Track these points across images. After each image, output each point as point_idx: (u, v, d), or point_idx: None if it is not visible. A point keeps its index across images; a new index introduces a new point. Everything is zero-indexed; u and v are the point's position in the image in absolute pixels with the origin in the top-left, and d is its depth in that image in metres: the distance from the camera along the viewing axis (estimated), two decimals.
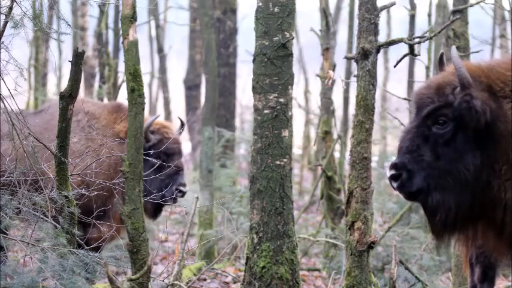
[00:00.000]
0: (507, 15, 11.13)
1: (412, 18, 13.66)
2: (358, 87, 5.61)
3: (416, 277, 6.93)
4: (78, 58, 5.07)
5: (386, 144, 17.97)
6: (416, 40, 5.60)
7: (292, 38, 6.17)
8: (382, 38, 5.67)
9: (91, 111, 7.60)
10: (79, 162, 6.13)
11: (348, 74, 12.97)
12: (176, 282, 6.24)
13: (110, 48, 12.14)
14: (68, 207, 5.19)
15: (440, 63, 5.20)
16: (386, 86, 18.41)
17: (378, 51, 5.61)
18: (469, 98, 4.73)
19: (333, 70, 9.31)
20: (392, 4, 5.73)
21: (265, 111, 6.15)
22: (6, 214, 4.94)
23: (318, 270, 9.27)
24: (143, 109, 5.38)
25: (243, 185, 13.59)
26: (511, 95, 4.78)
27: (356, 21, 5.67)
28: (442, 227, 4.93)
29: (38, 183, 5.37)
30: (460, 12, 7.11)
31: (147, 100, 5.50)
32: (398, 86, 20.20)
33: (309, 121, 18.98)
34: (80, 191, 5.50)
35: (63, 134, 5.17)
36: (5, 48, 5.10)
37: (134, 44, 5.38)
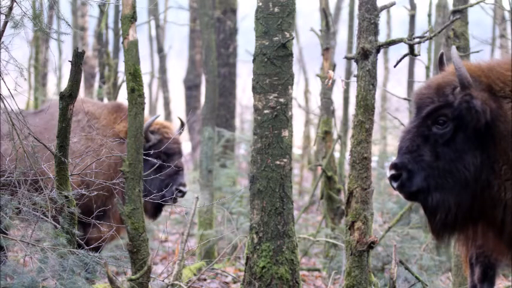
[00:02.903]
0: (507, 15, 11.12)
1: (412, 18, 13.66)
2: (358, 87, 5.61)
3: (416, 277, 6.93)
4: (78, 58, 5.07)
5: (386, 144, 17.96)
6: (416, 40, 5.59)
7: (292, 38, 6.17)
8: (382, 38, 5.67)
9: (91, 111, 7.60)
10: (79, 162, 6.13)
11: (348, 74, 12.96)
12: (176, 282, 6.24)
13: (110, 48, 12.14)
14: (68, 207, 5.19)
15: (440, 63, 5.20)
16: (386, 86, 18.40)
17: (378, 51, 5.61)
18: (469, 98, 4.73)
19: (333, 70, 9.31)
20: (392, 4, 5.73)
21: (265, 111, 6.15)
22: (6, 214, 4.94)
23: (318, 270, 9.27)
24: (143, 109, 5.38)
25: (243, 185, 13.59)
26: (511, 95, 4.78)
27: (356, 21, 5.67)
28: (442, 227, 4.93)
29: (38, 183, 5.37)
30: (460, 12, 7.11)
31: (147, 100, 5.50)
32: (398, 86, 20.20)
33: (309, 121, 18.98)
34: (80, 191, 5.50)
35: (63, 134, 5.17)
36: (5, 48, 5.10)
37: (134, 44, 5.38)
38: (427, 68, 9.93)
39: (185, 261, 6.63)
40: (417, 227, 9.55)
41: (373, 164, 11.37)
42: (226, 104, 13.29)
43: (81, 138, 7.22)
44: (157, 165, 6.60)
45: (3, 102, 5.17)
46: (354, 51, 5.81)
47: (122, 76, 11.45)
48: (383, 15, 5.65)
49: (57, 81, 16.90)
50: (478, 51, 7.45)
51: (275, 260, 6.10)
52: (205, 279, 8.21)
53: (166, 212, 10.83)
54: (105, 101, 11.30)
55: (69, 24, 5.33)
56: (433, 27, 8.96)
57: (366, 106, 5.58)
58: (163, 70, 20.58)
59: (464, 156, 4.77)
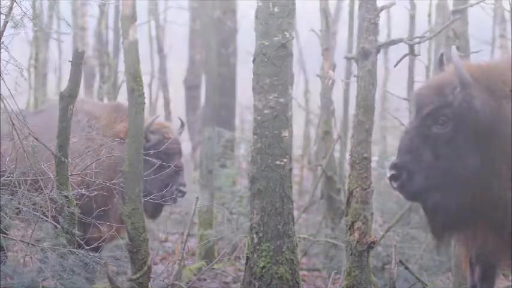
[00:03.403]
0: (507, 15, 11.13)
1: (412, 18, 13.64)
2: (358, 87, 5.62)
3: (416, 277, 6.93)
4: (78, 58, 5.07)
5: (386, 144, 17.93)
6: (416, 40, 5.60)
7: (292, 38, 6.17)
8: (382, 38, 5.67)
9: (91, 111, 7.59)
10: (79, 162, 6.13)
11: (348, 74, 12.95)
12: (176, 282, 6.24)
13: (110, 48, 12.13)
14: (68, 207, 5.19)
15: (440, 63, 5.20)
16: (386, 86, 18.39)
17: (378, 51, 5.61)
18: (469, 98, 4.73)
19: (333, 70, 9.31)
20: (392, 4, 5.73)
21: (265, 111, 6.15)
22: (6, 214, 4.94)
23: (318, 270, 9.26)
24: (143, 109, 5.38)
25: (243, 185, 13.58)
26: (511, 95, 4.78)
27: (356, 21, 5.68)
28: (442, 227, 4.93)
29: (38, 183, 5.37)
30: (460, 12, 7.11)
31: (147, 100, 5.50)
32: (398, 86, 20.18)
33: (309, 121, 18.95)
34: (80, 191, 5.50)
35: (63, 134, 5.17)
36: (5, 48, 5.11)
37: (134, 44, 5.38)
38: (427, 68, 9.93)
39: (185, 261, 6.63)
40: (417, 227, 9.54)
41: (373, 164, 11.34)
42: (227, 104, 13.27)
43: (81, 138, 7.22)
44: (157, 165, 6.60)
45: (3, 102, 5.17)
46: (354, 51, 5.81)
47: (122, 76, 11.44)
48: (383, 15, 5.65)
49: (57, 81, 16.89)
50: (478, 51, 7.44)
51: (275, 260, 6.10)
52: (205, 279, 8.20)
53: (166, 212, 10.82)
54: (105, 101, 11.29)
55: (69, 24, 5.34)
56: (433, 27, 8.96)
57: (366, 106, 5.59)
58: (163, 70, 20.55)
59: (464, 156, 4.77)
